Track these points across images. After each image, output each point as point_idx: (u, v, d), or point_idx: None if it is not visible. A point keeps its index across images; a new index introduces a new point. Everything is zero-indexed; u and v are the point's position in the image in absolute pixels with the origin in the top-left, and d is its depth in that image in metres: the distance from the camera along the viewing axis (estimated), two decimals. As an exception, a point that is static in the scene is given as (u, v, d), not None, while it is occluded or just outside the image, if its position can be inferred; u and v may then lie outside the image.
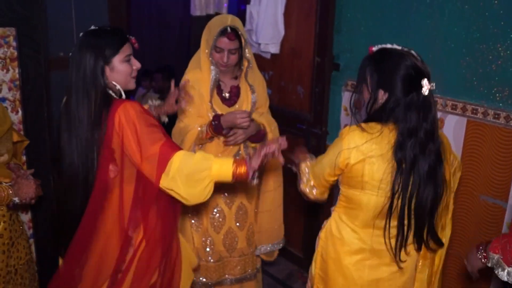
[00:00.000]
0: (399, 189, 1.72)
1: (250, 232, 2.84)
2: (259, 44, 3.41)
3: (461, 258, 2.66)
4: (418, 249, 1.87)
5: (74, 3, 2.67)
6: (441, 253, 1.99)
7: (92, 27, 1.92)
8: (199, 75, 2.59)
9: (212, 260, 2.77)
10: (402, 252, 1.82)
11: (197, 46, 2.64)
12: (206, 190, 1.74)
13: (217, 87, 2.63)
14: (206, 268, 2.78)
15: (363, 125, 1.77)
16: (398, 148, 1.70)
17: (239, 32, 2.48)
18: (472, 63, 2.47)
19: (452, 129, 2.60)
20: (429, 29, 2.62)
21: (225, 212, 2.74)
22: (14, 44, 2.50)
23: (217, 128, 2.49)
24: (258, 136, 2.65)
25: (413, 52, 1.76)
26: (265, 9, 3.32)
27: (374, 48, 1.82)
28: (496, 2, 2.33)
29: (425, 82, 1.69)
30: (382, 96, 1.75)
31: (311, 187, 1.96)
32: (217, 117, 2.50)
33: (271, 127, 2.71)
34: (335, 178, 1.89)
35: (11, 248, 2.30)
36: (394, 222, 1.79)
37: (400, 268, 1.87)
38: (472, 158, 2.54)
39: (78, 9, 2.70)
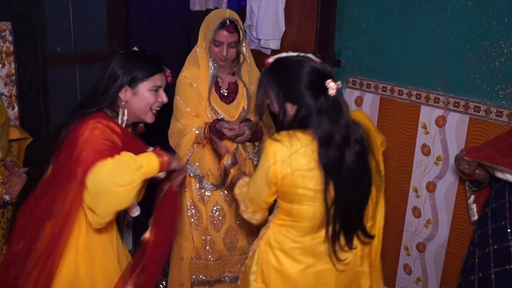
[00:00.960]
0: (331, 196, 1.70)
1: (251, 231, 2.82)
2: (259, 40, 3.38)
3: (462, 258, 2.64)
4: (350, 246, 1.83)
5: (72, -1, 2.65)
6: (377, 245, 1.96)
7: (135, 49, 1.90)
8: (197, 71, 2.56)
9: (212, 259, 2.75)
10: (341, 252, 1.81)
11: (196, 42, 2.61)
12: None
13: (215, 84, 2.61)
14: (206, 266, 2.76)
15: (286, 135, 1.70)
16: (321, 156, 1.66)
17: (238, 26, 2.46)
18: (475, 60, 2.44)
19: (455, 126, 2.57)
20: (432, 26, 2.59)
21: (225, 210, 2.72)
22: (10, 38, 2.48)
23: (217, 136, 2.49)
24: (256, 137, 2.63)
25: (310, 55, 1.69)
26: (265, 5, 3.29)
27: (270, 60, 1.75)
28: (500, -2, 2.31)
29: (329, 83, 1.63)
30: (291, 108, 1.70)
31: (252, 213, 1.89)
32: (214, 127, 2.49)
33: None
34: (275, 196, 1.82)
35: (3, 246, 2.28)
36: (330, 226, 1.78)
37: (343, 267, 1.86)
38: (474, 157, 2.52)
39: (76, 3, 2.67)
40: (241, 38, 2.51)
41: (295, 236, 1.83)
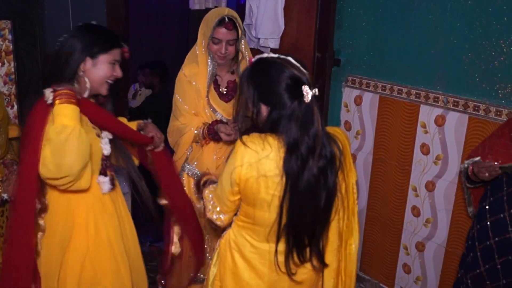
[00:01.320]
0: (285, 206, 1.66)
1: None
2: (259, 39, 3.37)
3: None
4: (302, 262, 1.77)
5: (71, -3, 2.64)
6: (351, 270, 1.91)
7: (92, 22, 1.96)
8: (196, 69, 2.57)
9: (209, 257, 2.75)
10: (296, 267, 1.77)
11: (195, 40, 2.61)
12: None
13: (214, 82, 2.61)
14: (205, 265, 2.76)
15: (257, 138, 1.68)
16: (285, 163, 1.63)
17: (237, 23, 2.46)
18: (474, 59, 2.45)
19: (454, 126, 2.57)
20: (432, 24, 2.59)
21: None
22: (9, 37, 2.48)
23: (214, 138, 2.53)
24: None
25: (290, 59, 1.67)
26: (265, 3, 3.28)
27: (253, 59, 1.75)
28: (499, -3, 2.31)
29: (305, 88, 1.59)
30: (264, 109, 1.68)
31: (218, 213, 1.84)
32: (213, 129, 2.50)
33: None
34: (238, 196, 1.78)
35: (2, 245, 2.28)
36: (285, 238, 1.74)
37: (298, 282, 1.82)
38: (473, 156, 2.52)
39: (76, 3, 2.67)
40: (239, 36, 2.51)
41: (254, 241, 1.80)
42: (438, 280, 2.80)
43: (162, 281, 3.20)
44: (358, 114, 3.11)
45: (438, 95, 2.62)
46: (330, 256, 1.83)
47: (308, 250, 1.75)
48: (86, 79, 1.90)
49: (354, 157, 3.18)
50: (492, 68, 2.38)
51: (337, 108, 3.24)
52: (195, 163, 2.67)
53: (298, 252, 1.74)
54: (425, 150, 2.74)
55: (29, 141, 1.78)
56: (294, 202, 1.65)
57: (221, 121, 2.55)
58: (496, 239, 2.03)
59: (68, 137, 1.67)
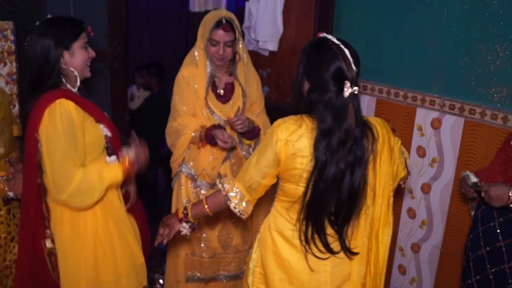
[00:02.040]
0: (310, 187, 1.72)
1: (245, 229, 2.84)
2: (258, 41, 3.40)
3: (457, 258, 2.67)
4: (327, 249, 1.80)
5: (72, -2, 2.67)
6: (382, 266, 1.89)
7: (49, 16, 2.02)
8: (195, 71, 2.59)
9: (206, 256, 2.77)
10: (314, 247, 1.80)
11: (195, 42, 2.64)
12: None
13: (212, 84, 2.63)
14: (200, 263, 2.78)
15: (294, 118, 1.75)
16: (315, 147, 1.69)
17: (234, 25, 2.49)
18: (470, 63, 2.47)
19: (450, 129, 2.60)
20: (428, 28, 2.62)
21: (220, 208, 2.74)
22: (11, 37, 2.50)
23: (211, 142, 2.56)
24: (253, 133, 2.66)
25: (346, 51, 1.68)
26: (264, 6, 3.31)
27: (322, 35, 1.77)
28: (495, 2, 2.33)
29: (346, 84, 1.64)
30: (305, 86, 1.74)
31: (247, 203, 1.88)
32: (209, 134, 2.53)
33: (265, 129, 2.71)
34: (273, 179, 1.84)
35: (9, 242, 2.30)
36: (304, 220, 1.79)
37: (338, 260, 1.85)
38: (469, 159, 2.55)
39: (77, 3, 2.69)
40: (237, 38, 2.54)
41: (291, 219, 1.84)
42: (433, 281, 2.83)
43: (160, 280, 3.23)
44: (356, 116, 3.12)
45: (434, 98, 2.65)
46: (360, 243, 1.83)
47: (329, 237, 1.79)
48: (72, 69, 2.00)
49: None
50: (488, 72, 2.41)
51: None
52: (191, 163, 2.68)
53: (319, 236, 1.78)
54: (421, 152, 2.76)
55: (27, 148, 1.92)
56: (318, 187, 1.70)
57: (219, 126, 2.57)
58: (488, 248, 2.04)
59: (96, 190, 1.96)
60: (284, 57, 3.43)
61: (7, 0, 2.43)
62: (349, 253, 1.82)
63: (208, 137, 2.52)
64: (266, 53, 3.48)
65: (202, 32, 2.53)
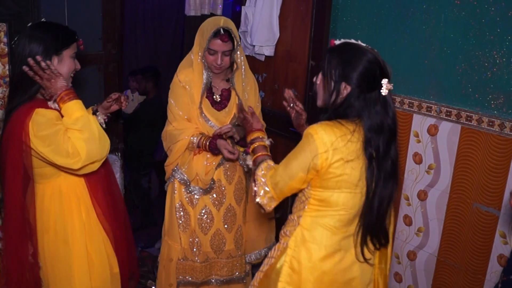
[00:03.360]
0: (373, 186, 1.74)
1: (239, 235, 2.82)
2: (254, 46, 3.39)
3: (453, 266, 2.65)
4: (377, 246, 1.85)
5: (67, 0, 2.64)
6: (389, 253, 1.99)
7: (43, 20, 2.03)
8: (191, 75, 2.58)
9: (198, 261, 2.76)
10: (365, 250, 1.83)
11: (190, 45, 2.62)
12: None
13: (209, 90, 2.62)
14: (192, 268, 2.77)
15: (333, 124, 1.72)
16: (368, 145, 1.70)
17: (232, 34, 2.47)
18: (467, 69, 2.47)
19: (446, 135, 2.59)
20: (425, 34, 2.61)
21: (213, 213, 2.72)
22: (5, 40, 2.48)
23: (214, 152, 2.55)
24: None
25: (376, 51, 1.77)
26: (260, 11, 3.30)
27: (337, 42, 1.80)
28: (493, 9, 2.33)
29: (385, 82, 1.69)
30: (344, 88, 1.73)
31: (270, 199, 1.83)
32: (215, 144, 2.51)
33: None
34: (306, 184, 1.80)
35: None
36: (360, 221, 1.81)
37: (369, 264, 1.89)
38: (465, 166, 2.53)
39: (71, 6, 2.67)
40: (235, 47, 2.52)
41: (333, 228, 1.80)
42: (429, 289, 2.81)
43: (153, 287, 3.20)
44: (352, 122, 3.11)
45: (431, 105, 2.64)
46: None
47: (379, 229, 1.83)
48: None
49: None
50: (485, 78, 2.40)
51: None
52: (184, 168, 2.66)
53: (373, 237, 1.81)
54: (418, 159, 2.75)
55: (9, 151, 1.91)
56: (377, 183, 1.73)
57: (220, 136, 2.55)
58: None
59: (92, 124, 1.92)
60: (280, 62, 3.42)
61: (1, 2, 2.41)
62: (387, 241, 1.89)
63: (212, 145, 2.51)
64: (262, 58, 3.47)
65: (200, 40, 2.51)
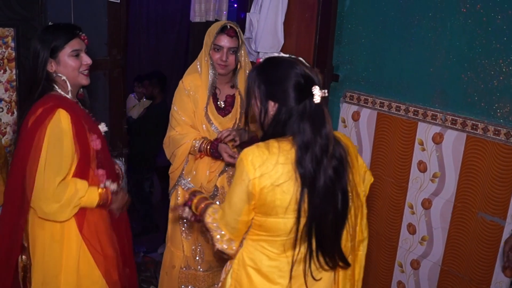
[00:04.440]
0: (305, 208, 1.63)
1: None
2: (258, 52, 3.38)
3: (457, 276, 2.63)
4: (331, 268, 1.74)
5: (73, 5, 2.65)
6: (358, 274, 1.85)
7: (50, 23, 2.02)
8: (198, 81, 2.58)
9: (201, 269, 2.73)
10: (318, 272, 1.73)
11: (196, 52, 2.63)
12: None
13: (213, 95, 2.61)
14: (195, 277, 2.75)
15: (263, 146, 1.65)
16: (299, 164, 1.60)
17: (238, 32, 2.49)
18: (473, 78, 2.46)
19: (451, 144, 2.58)
20: (431, 42, 2.61)
21: (217, 221, 2.70)
22: (12, 44, 2.49)
23: (214, 155, 2.53)
24: (252, 144, 2.64)
25: (301, 59, 1.67)
26: (265, 18, 3.30)
27: (261, 59, 1.73)
28: (499, 17, 2.33)
29: (316, 89, 1.59)
30: (272, 107, 1.64)
31: (228, 241, 1.75)
32: (216, 147, 2.50)
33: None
34: (252, 215, 1.70)
35: None
36: (304, 244, 1.69)
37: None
38: (471, 174, 2.53)
39: (77, 11, 2.67)
40: (240, 45, 2.53)
41: (271, 253, 1.72)
42: (433, 299, 2.79)
43: (156, 293, 3.18)
44: (356, 130, 3.11)
45: (436, 113, 2.63)
46: (347, 254, 1.78)
47: (333, 253, 1.72)
48: (61, 75, 1.99)
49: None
50: (491, 87, 2.40)
51: (334, 123, 3.24)
52: (189, 178, 2.66)
53: (325, 255, 1.70)
54: (422, 167, 2.74)
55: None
56: (313, 203, 1.62)
57: (222, 141, 2.54)
58: None
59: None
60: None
61: (9, 7, 2.42)
62: (348, 265, 1.76)
63: (213, 147, 2.49)
64: (267, 65, 3.46)
65: (207, 40, 2.53)
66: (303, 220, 1.63)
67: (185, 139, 2.56)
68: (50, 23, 2.03)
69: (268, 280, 1.74)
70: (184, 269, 2.75)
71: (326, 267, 1.73)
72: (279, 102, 1.62)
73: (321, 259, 1.70)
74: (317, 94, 1.58)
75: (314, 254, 1.69)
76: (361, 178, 1.82)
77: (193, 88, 2.58)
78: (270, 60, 1.69)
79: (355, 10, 3.01)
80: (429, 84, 2.66)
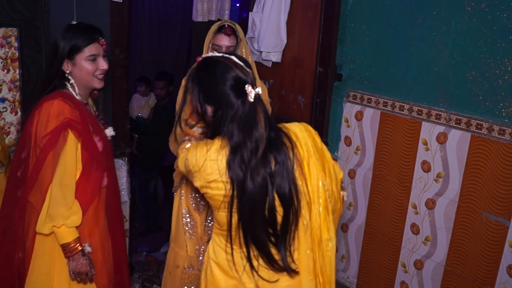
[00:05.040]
0: (234, 209, 1.61)
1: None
2: (261, 52, 3.38)
3: (461, 276, 2.62)
4: (279, 270, 1.69)
5: (76, 5, 2.64)
6: (331, 266, 1.76)
7: (73, 22, 2.01)
8: None
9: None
10: (268, 272, 1.70)
11: (198, 51, 2.64)
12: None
13: None
14: (198, 277, 2.74)
15: (204, 143, 1.66)
16: (228, 166, 1.59)
17: (236, 30, 2.49)
18: (478, 77, 2.45)
19: (456, 144, 2.57)
20: (435, 41, 2.60)
21: (220, 220, 2.70)
22: (15, 44, 2.49)
23: None
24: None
25: (233, 58, 1.64)
26: (268, 17, 3.29)
27: (200, 59, 1.74)
28: (504, 16, 2.31)
29: (248, 88, 1.57)
30: (210, 110, 1.65)
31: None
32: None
33: None
34: None
35: None
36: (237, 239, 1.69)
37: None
38: (475, 175, 2.51)
39: (80, 11, 2.67)
40: (238, 42, 2.53)
41: (227, 247, 1.73)
42: (437, 299, 2.78)
43: (158, 293, 3.17)
44: (359, 129, 3.10)
45: (440, 112, 2.62)
46: (304, 257, 1.72)
47: (279, 254, 1.67)
48: (70, 78, 1.98)
49: (353, 172, 3.16)
50: (496, 86, 2.39)
51: (337, 123, 3.23)
52: None
53: (268, 258, 1.67)
54: (426, 167, 2.73)
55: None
56: (242, 206, 1.60)
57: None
58: None
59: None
60: (287, 68, 3.41)
61: (13, 7, 2.42)
62: (291, 271, 1.70)
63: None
64: (269, 64, 3.46)
65: (206, 40, 2.55)
66: (234, 217, 1.63)
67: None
68: (74, 22, 2.02)
69: (225, 273, 1.75)
70: (187, 269, 2.74)
71: (276, 269, 1.69)
72: (215, 106, 1.63)
73: (261, 260, 1.68)
74: (250, 92, 1.57)
75: (252, 254, 1.67)
76: (328, 172, 1.75)
77: None
78: (204, 62, 1.68)
79: (358, 9, 3.00)
80: (433, 83, 2.65)
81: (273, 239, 1.66)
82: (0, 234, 2.01)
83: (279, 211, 1.64)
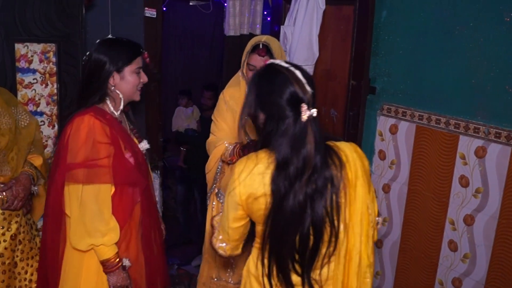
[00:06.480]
0: (268, 225, 1.58)
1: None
2: (293, 65, 3.37)
3: (503, 295, 2.53)
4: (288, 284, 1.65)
5: (111, 22, 2.70)
6: None
7: (110, 36, 2.05)
8: (237, 93, 2.63)
9: (232, 282, 2.72)
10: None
11: (230, 65, 2.66)
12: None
13: None
14: (225, 288, 2.74)
15: (255, 155, 1.62)
16: (272, 181, 1.55)
17: (271, 49, 2.48)
18: (518, 89, 2.38)
19: (495, 158, 2.49)
20: (473, 53, 2.54)
21: (250, 232, 2.70)
22: (53, 59, 2.55)
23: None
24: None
25: (297, 73, 1.58)
26: (299, 30, 3.29)
27: (268, 61, 1.70)
28: (546, 27, 2.25)
29: (303, 107, 1.52)
30: (262, 117, 1.62)
31: (221, 241, 1.74)
32: (246, 151, 2.48)
33: None
34: (243, 222, 1.68)
35: (13, 268, 2.22)
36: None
37: None
38: (516, 189, 2.43)
39: (115, 26, 2.73)
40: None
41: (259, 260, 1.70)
42: (476, 319, 2.69)
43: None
44: (393, 143, 3.05)
45: (479, 126, 2.55)
46: (337, 284, 1.67)
47: (298, 276, 1.64)
48: (118, 92, 2.01)
49: (387, 187, 3.11)
50: (538, 99, 2.32)
51: (371, 136, 3.18)
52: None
53: (286, 281, 1.63)
54: (464, 182, 2.65)
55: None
56: (276, 223, 1.57)
57: (255, 144, 2.54)
58: None
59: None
60: (320, 81, 3.39)
61: (51, 24, 2.49)
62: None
63: (246, 153, 2.49)
64: (301, 78, 3.45)
65: (243, 57, 2.58)
66: (267, 231, 1.61)
67: (220, 142, 2.64)
68: (110, 36, 2.08)
69: None
70: (215, 279, 2.74)
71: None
72: (267, 114, 1.60)
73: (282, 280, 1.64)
74: (304, 112, 1.53)
75: (273, 271, 1.64)
76: (372, 197, 1.70)
77: (233, 99, 2.63)
78: (268, 68, 1.65)
79: (393, 21, 2.96)
80: (471, 96, 2.58)
81: (297, 266, 1.63)
82: (49, 244, 2.03)
83: (311, 239, 1.60)
